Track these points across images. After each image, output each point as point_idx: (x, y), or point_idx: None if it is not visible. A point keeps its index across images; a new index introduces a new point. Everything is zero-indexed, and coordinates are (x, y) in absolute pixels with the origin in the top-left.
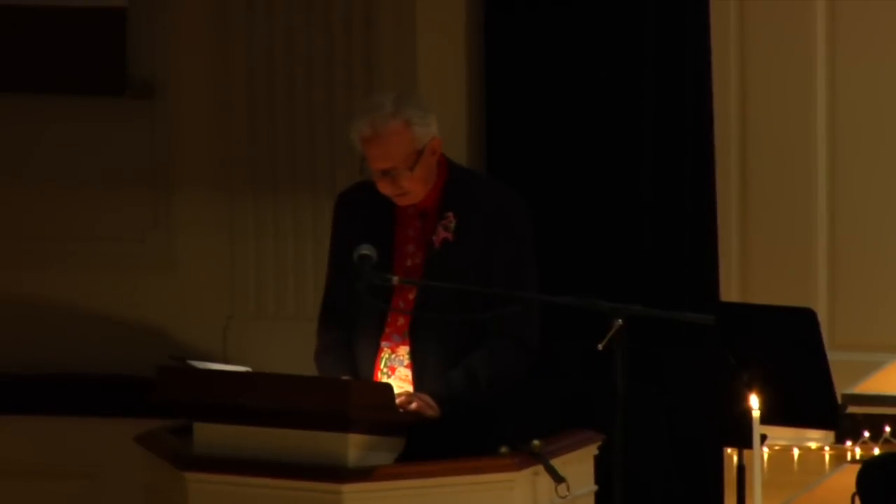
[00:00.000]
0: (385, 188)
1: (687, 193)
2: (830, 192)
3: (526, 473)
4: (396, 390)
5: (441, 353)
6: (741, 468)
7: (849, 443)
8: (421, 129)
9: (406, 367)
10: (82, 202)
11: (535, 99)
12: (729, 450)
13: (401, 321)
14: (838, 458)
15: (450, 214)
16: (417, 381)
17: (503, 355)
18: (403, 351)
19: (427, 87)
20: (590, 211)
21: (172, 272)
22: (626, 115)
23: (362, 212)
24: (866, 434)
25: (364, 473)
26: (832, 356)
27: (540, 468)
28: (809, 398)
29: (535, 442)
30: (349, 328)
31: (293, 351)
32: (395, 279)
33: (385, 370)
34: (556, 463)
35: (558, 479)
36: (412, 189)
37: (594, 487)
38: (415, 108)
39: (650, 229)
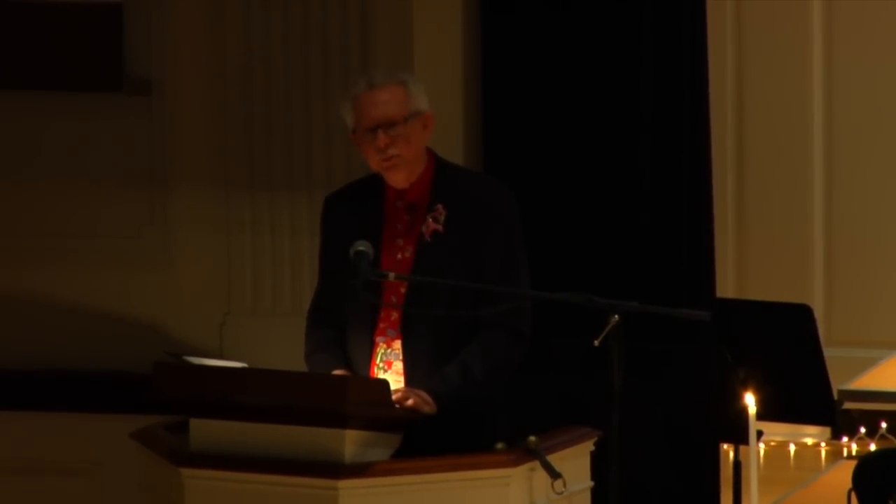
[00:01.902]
0: (377, 150)
1: (683, 190)
2: (827, 188)
3: (522, 469)
4: (393, 386)
5: (434, 345)
6: (737, 464)
7: (845, 439)
8: (416, 94)
9: (402, 360)
10: (79, 198)
11: (531, 95)
12: (725, 446)
13: (394, 315)
14: (834, 455)
15: (439, 206)
16: (409, 374)
17: (497, 347)
18: (399, 345)
19: (424, 84)
20: (586, 208)
21: (169, 269)
22: (622, 112)
23: (350, 210)
24: (862, 430)
25: (360, 469)
26: (828, 352)
27: (536, 464)
28: (806, 394)
29: (532, 438)
30: (340, 327)
31: (289, 347)
32: (391, 275)
33: (381, 365)
34: (552, 459)
35: (555, 475)
36: (404, 153)
37: (590, 483)
38: (410, 77)
39: (647, 226)
